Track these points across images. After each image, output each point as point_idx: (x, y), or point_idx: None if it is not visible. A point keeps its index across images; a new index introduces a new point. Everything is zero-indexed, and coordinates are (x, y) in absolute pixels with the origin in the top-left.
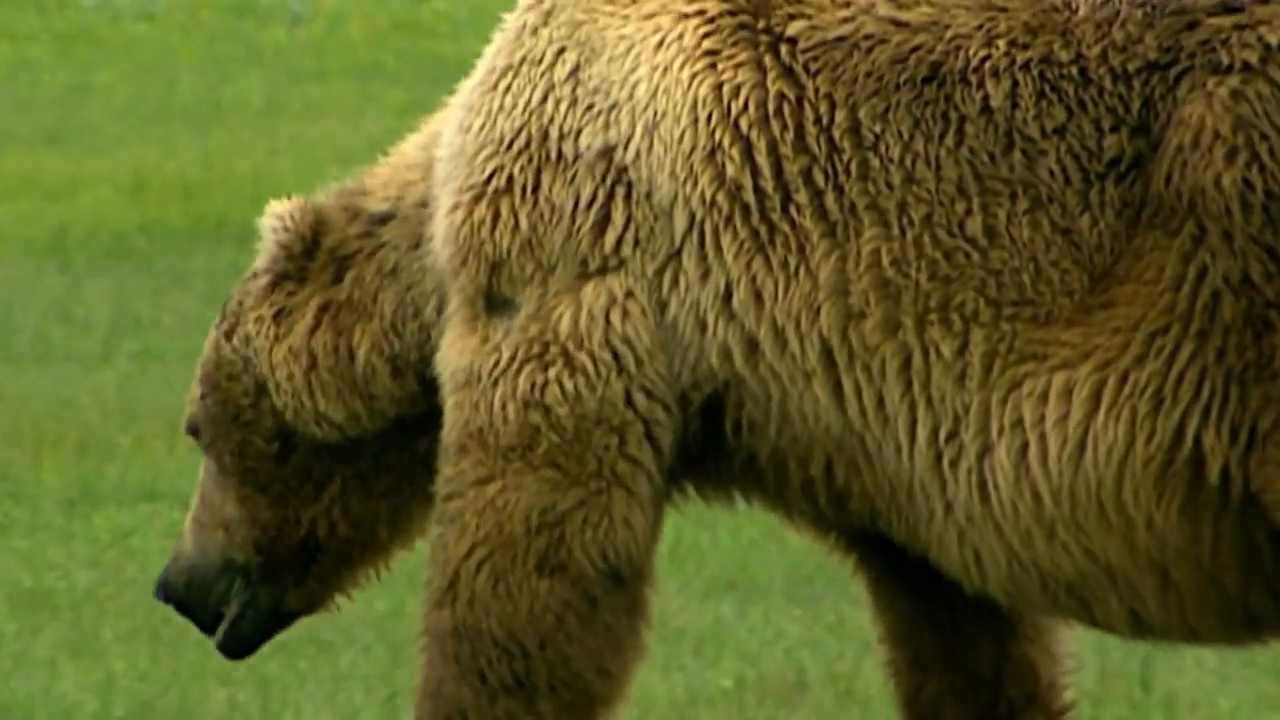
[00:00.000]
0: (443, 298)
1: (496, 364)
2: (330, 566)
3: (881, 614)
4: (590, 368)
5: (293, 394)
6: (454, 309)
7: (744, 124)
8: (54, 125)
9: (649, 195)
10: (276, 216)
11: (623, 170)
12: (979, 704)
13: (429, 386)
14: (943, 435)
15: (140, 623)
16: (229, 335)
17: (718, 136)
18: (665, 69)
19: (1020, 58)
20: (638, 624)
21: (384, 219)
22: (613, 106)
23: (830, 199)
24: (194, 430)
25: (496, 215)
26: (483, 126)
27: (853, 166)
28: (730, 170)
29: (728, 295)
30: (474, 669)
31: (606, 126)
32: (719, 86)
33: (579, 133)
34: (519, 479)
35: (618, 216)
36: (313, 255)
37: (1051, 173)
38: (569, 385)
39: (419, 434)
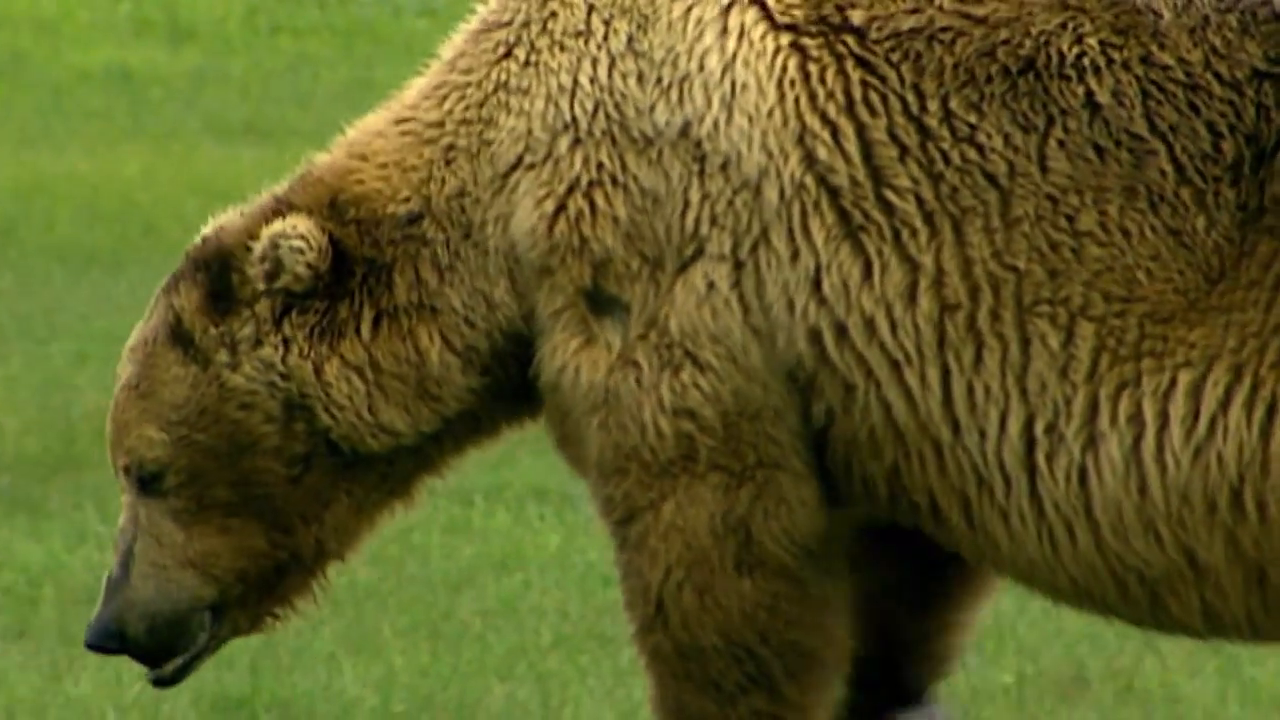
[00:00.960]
0: (517, 283)
1: (638, 380)
2: (299, 583)
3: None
4: (714, 363)
5: (353, 408)
6: (555, 309)
7: (832, 110)
8: (334, 121)
9: (725, 168)
10: (296, 237)
11: (699, 144)
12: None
13: (487, 377)
14: (1039, 427)
15: (420, 618)
16: (233, 366)
17: (807, 120)
18: (740, 37)
19: (1118, 57)
20: (839, 581)
21: (415, 218)
22: (684, 78)
23: (927, 189)
24: (148, 476)
25: (594, 208)
26: (545, 109)
27: (951, 157)
28: (821, 153)
29: (817, 279)
30: (708, 682)
31: (681, 101)
32: (803, 67)
33: (653, 109)
34: (691, 492)
35: (695, 196)
36: (341, 271)
37: (1163, 172)
38: (705, 385)
39: (441, 438)
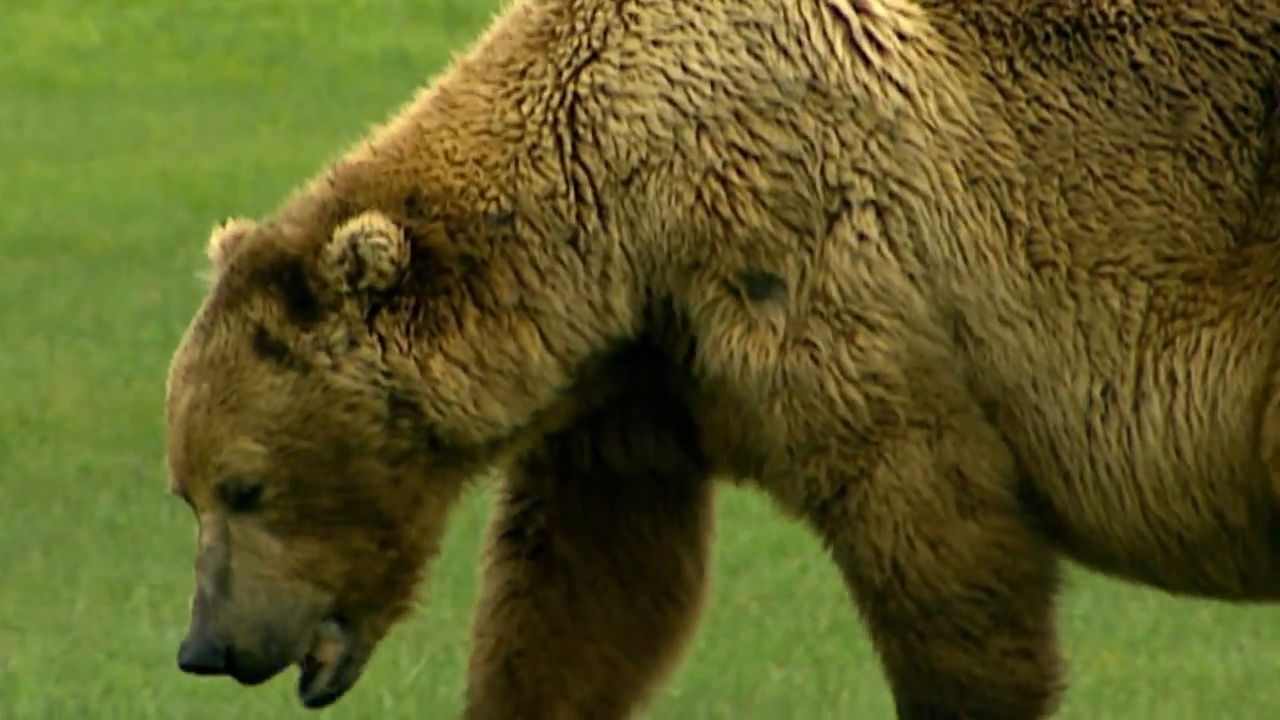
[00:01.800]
0: (648, 288)
1: (813, 357)
2: (411, 580)
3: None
4: (883, 321)
5: (459, 403)
6: (708, 302)
7: (944, 63)
8: None
9: (855, 113)
10: (378, 234)
11: (827, 94)
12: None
13: (575, 378)
14: (1098, 388)
15: None
16: (335, 369)
17: (930, 66)
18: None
19: (1154, 15)
20: (1032, 516)
21: (506, 219)
22: (800, 31)
23: (1015, 145)
24: (255, 489)
25: (730, 189)
26: (661, 106)
27: (1029, 115)
28: (947, 99)
29: (953, 225)
30: (959, 632)
31: (803, 54)
32: (907, 17)
33: (774, 71)
34: (899, 452)
35: (834, 147)
36: (428, 267)
37: (1203, 126)
38: (883, 345)
39: (512, 439)
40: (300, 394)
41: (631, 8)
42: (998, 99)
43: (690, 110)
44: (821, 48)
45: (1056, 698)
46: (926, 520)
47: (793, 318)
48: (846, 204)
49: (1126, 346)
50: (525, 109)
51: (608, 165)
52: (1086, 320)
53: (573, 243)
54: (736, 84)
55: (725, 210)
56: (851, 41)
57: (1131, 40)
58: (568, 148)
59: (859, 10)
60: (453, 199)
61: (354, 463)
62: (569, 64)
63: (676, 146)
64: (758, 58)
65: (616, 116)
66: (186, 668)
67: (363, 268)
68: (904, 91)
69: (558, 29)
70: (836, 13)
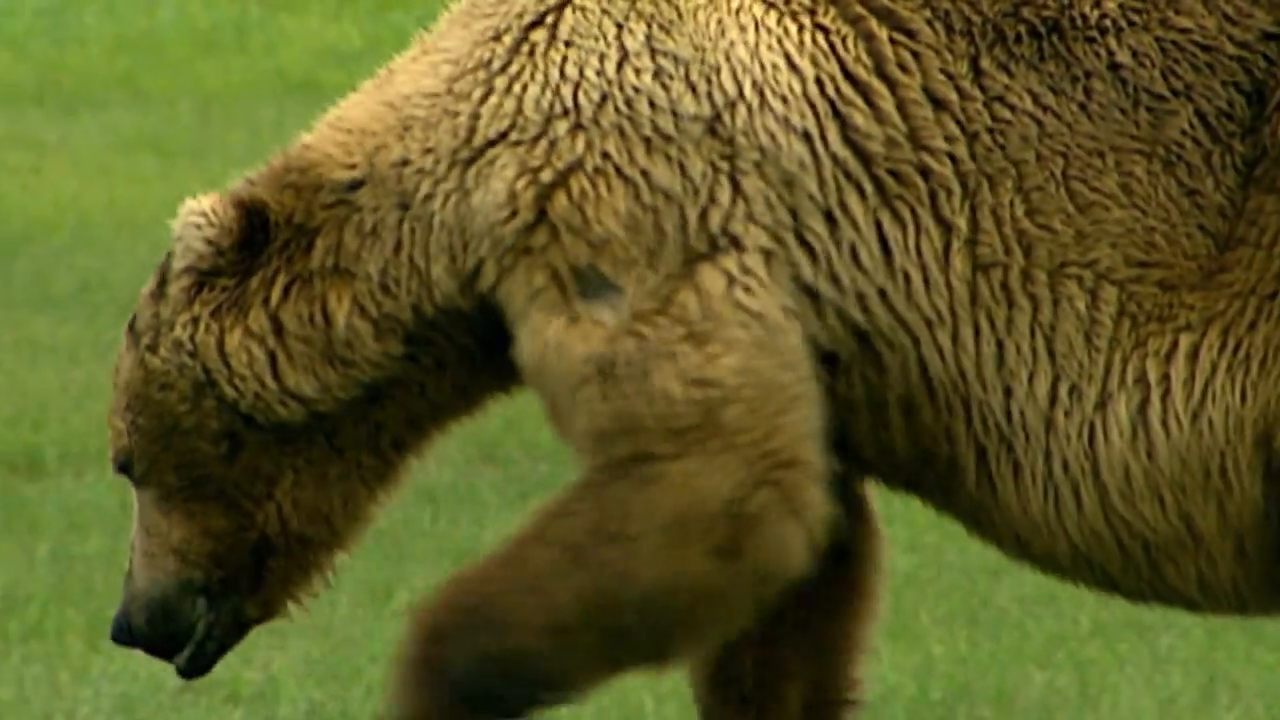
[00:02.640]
0: (464, 261)
1: (641, 349)
2: (284, 568)
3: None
4: (743, 336)
5: (254, 376)
6: (535, 288)
7: (862, 73)
8: None
9: (761, 164)
10: (197, 214)
11: (731, 140)
12: (813, 689)
13: (416, 346)
14: (1063, 388)
15: (958, 606)
16: (153, 349)
17: (840, 87)
18: (759, 25)
19: (1138, 20)
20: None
21: (355, 185)
22: (712, 72)
23: (962, 148)
24: (125, 466)
25: (597, 195)
26: (541, 94)
27: (984, 116)
28: (858, 120)
29: (855, 252)
30: (612, 630)
31: (709, 94)
32: (827, 34)
33: (676, 104)
34: (714, 461)
35: (724, 195)
36: (253, 244)
37: (1183, 131)
38: (733, 362)
39: (376, 407)
40: (135, 371)
41: (563, 11)
42: (947, 98)
43: (568, 107)
44: (731, 90)
45: None
46: (685, 534)
47: (625, 317)
48: (731, 246)
49: (1096, 350)
50: (424, 82)
51: (458, 131)
52: (1047, 321)
53: (402, 206)
54: (629, 104)
55: (589, 208)
56: (760, 84)
57: (1113, 42)
58: (436, 116)
59: (770, 48)
60: (315, 169)
61: (179, 440)
62: (473, 40)
63: (544, 133)
64: (664, 87)
65: (491, 91)
66: (112, 640)
67: (186, 247)
68: (810, 139)
69: (487, 10)
70: (753, 52)
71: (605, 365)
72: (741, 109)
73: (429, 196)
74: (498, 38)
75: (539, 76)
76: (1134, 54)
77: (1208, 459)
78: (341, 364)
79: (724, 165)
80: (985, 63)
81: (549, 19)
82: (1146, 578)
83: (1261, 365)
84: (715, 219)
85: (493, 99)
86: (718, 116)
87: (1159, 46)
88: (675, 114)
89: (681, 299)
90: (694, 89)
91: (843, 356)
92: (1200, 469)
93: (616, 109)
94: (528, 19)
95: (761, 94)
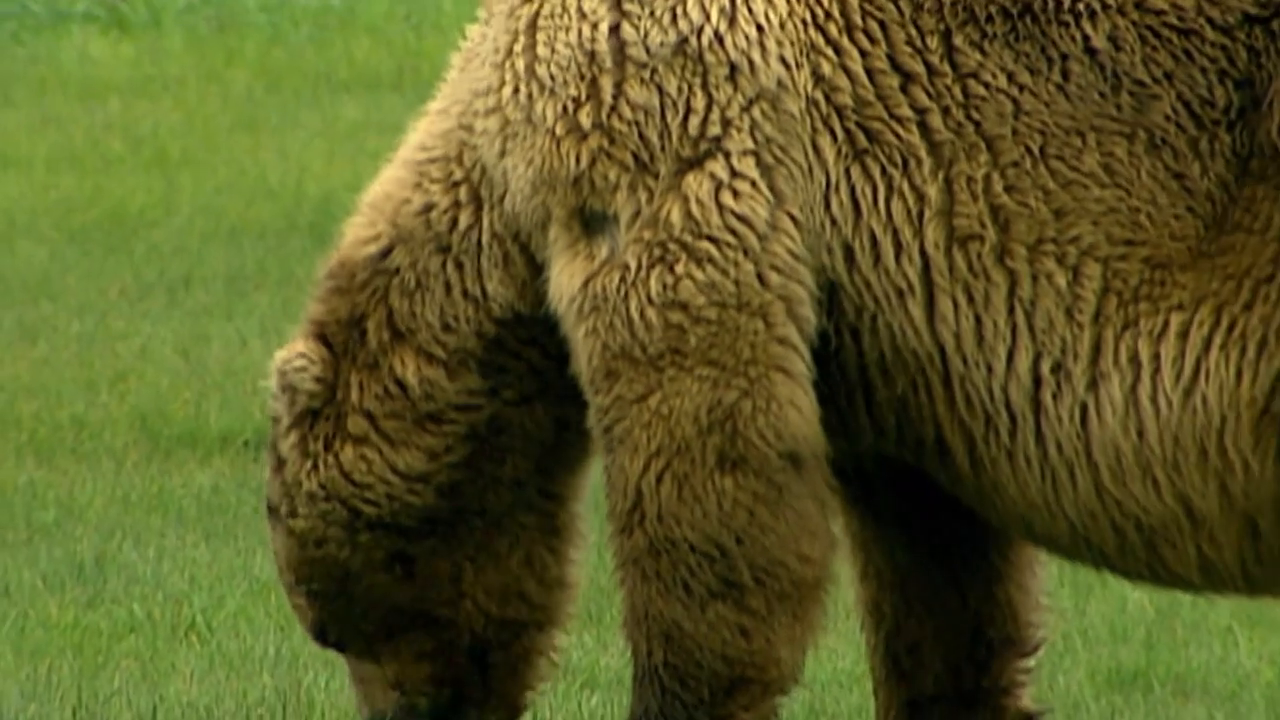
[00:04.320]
0: (518, 261)
1: (622, 278)
2: (505, 661)
3: (865, 554)
4: (715, 253)
5: (378, 479)
6: (551, 241)
7: (832, 29)
8: None
9: (734, 77)
10: (296, 359)
11: (700, 57)
12: (959, 646)
13: (492, 376)
14: (1046, 365)
15: None
16: (293, 514)
17: (811, 34)
18: None
19: (1114, 2)
20: (824, 511)
21: (385, 252)
22: (676, 3)
23: (935, 119)
24: (323, 637)
25: (577, 131)
26: (517, 91)
27: (955, 91)
28: (826, 69)
29: (827, 197)
30: (677, 581)
31: (675, 21)
32: None
33: (646, 36)
34: (678, 384)
35: (699, 103)
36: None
37: (1166, 117)
38: (701, 276)
39: (494, 464)
40: (288, 544)
41: (538, 12)
42: (918, 70)
43: (545, 85)
44: (696, 16)
45: (763, 693)
46: (680, 458)
47: (616, 247)
48: (716, 150)
49: (1079, 326)
50: (435, 127)
51: (475, 163)
52: (1027, 297)
53: (442, 250)
54: (593, 56)
55: (564, 151)
56: (729, 10)
57: (1088, 26)
58: (453, 152)
59: None
60: (347, 257)
61: (356, 586)
62: (475, 75)
63: (528, 118)
64: (633, 27)
65: (482, 113)
66: None
67: (295, 395)
68: (786, 65)
69: (477, 45)
70: None
71: (593, 300)
72: (708, 30)
73: (469, 228)
74: (477, 62)
75: (511, 76)
76: (1111, 39)
77: (1203, 438)
78: (432, 421)
79: (695, 80)
80: (958, 40)
81: (513, 14)
82: (1144, 559)
83: (1261, 346)
84: (694, 125)
85: (486, 122)
86: (684, 40)
87: (1136, 32)
88: (646, 45)
89: (666, 212)
90: (660, 22)
91: (830, 302)
92: (1195, 448)
93: (591, 56)
94: (507, 33)
95: (731, 19)
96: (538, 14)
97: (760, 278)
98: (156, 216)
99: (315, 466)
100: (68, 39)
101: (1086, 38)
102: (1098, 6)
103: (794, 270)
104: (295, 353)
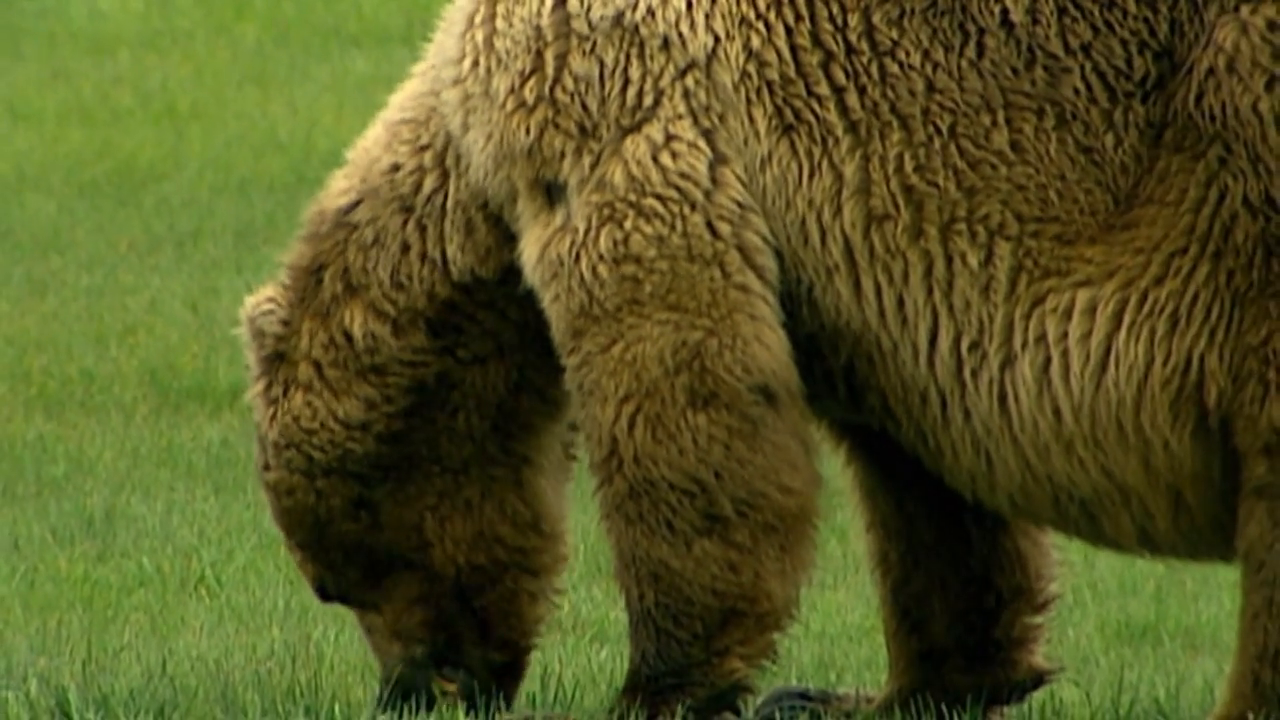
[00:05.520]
0: (480, 222)
1: (574, 241)
2: (494, 602)
3: (871, 505)
4: (661, 208)
5: (321, 426)
6: (520, 213)
7: (761, 3)
8: None
9: (667, 49)
10: (263, 303)
11: (635, 29)
12: (967, 595)
13: (444, 336)
14: (965, 344)
15: None
16: (266, 467)
17: (742, 7)
18: None
19: None
20: (804, 447)
21: (352, 206)
22: None
23: (852, 97)
24: (324, 591)
25: (526, 105)
26: (476, 63)
27: (873, 69)
28: (756, 43)
29: (762, 168)
30: (660, 521)
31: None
32: None
33: (589, 9)
34: (638, 330)
35: (635, 72)
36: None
37: (1076, 90)
38: (649, 230)
39: (446, 415)
40: (269, 501)
41: (495, 2)
42: (834, 49)
43: (500, 59)
44: None
45: (757, 626)
46: (650, 399)
47: (570, 213)
48: (653, 116)
49: (994, 305)
50: (412, 88)
51: (436, 130)
52: (943, 276)
53: (405, 210)
54: (539, 32)
55: (517, 125)
56: None
57: (1009, 0)
58: (421, 114)
59: None
60: (320, 208)
61: (331, 534)
62: (445, 45)
63: (486, 91)
64: (580, 2)
65: (448, 83)
66: None
67: (263, 339)
68: (717, 36)
69: (455, 16)
70: None
71: (552, 266)
72: (642, 5)
73: (434, 191)
74: (462, 33)
75: (472, 47)
76: (1030, 12)
77: (1119, 416)
78: (374, 374)
79: (632, 50)
80: (876, 17)
81: (492, 18)
82: (1085, 529)
83: (1174, 322)
84: (631, 94)
85: (451, 92)
86: (621, 14)
87: (1056, 4)
88: (588, 19)
89: (610, 174)
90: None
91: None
92: (1113, 426)
93: (539, 31)
94: (473, 2)
95: None
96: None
97: (710, 227)
98: (166, 170)
99: (275, 415)
100: None
101: (1005, 11)
102: None
103: (744, 219)
104: (264, 297)
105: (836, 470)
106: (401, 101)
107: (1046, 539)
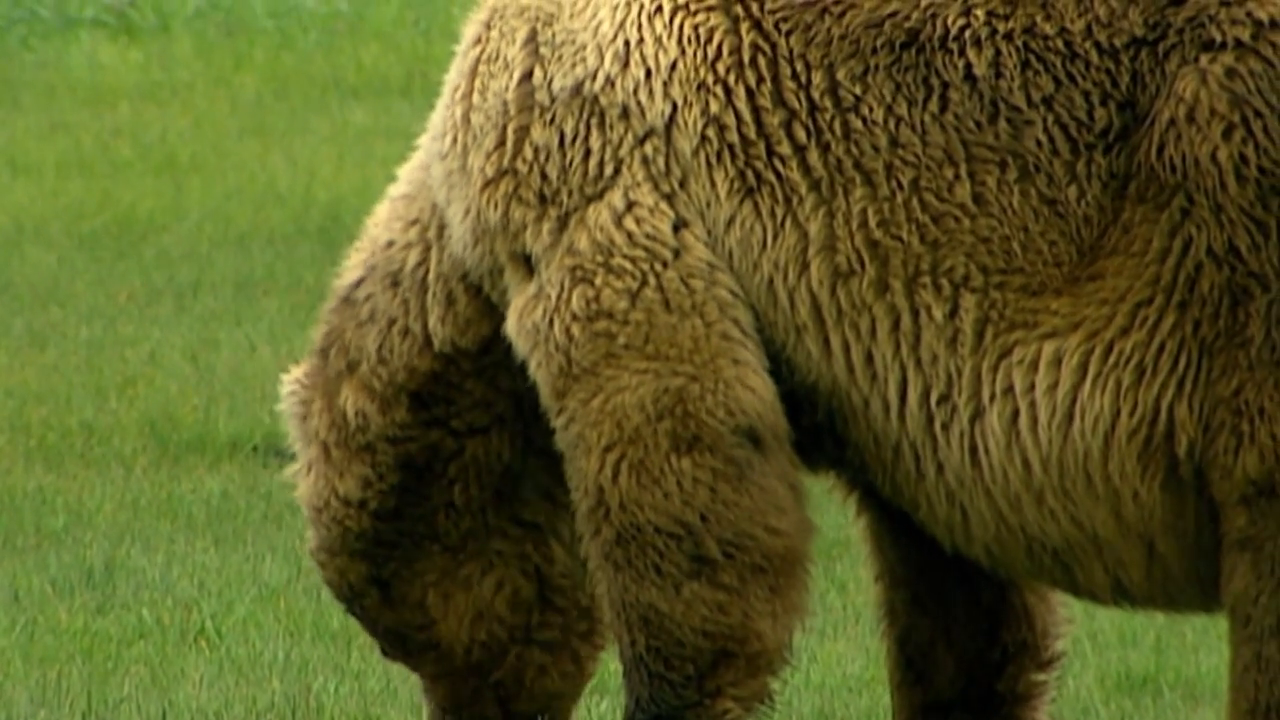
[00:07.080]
0: (460, 294)
1: (546, 308)
2: (505, 676)
3: (880, 554)
4: (631, 267)
5: (325, 504)
6: (505, 286)
7: (721, 68)
8: None
9: (627, 117)
10: (292, 381)
11: (594, 99)
12: (973, 648)
13: (431, 408)
14: (934, 398)
15: None
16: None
17: (701, 73)
18: (629, 8)
19: (1001, 28)
20: (792, 491)
21: (356, 284)
22: (579, 49)
23: (814, 155)
24: (384, 652)
25: (494, 181)
26: (454, 139)
27: (835, 126)
28: (715, 108)
29: (727, 232)
30: (649, 566)
31: (574, 66)
32: (695, 26)
33: (551, 81)
34: (617, 381)
35: (595, 142)
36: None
37: (1039, 143)
38: (619, 285)
39: (442, 488)
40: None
41: (481, 50)
42: (799, 106)
43: (476, 134)
44: (592, 61)
45: (748, 668)
46: (633, 448)
47: (543, 280)
48: (613, 185)
49: (961, 358)
50: (409, 166)
51: (423, 206)
52: (909, 331)
53: (394, 285)
54: (505, 106)
55: (488, 201)
56: (622, 54)
57: (972, 53)
58: (414, 193)
59: (639, 25)
60: (339, 281)
61: (357, 607)
62: (451, 89)
63: (463, 165)
64: (540, 68)
65: (437, 157)
66: None
67: (290, 419)
68: (674, 103)
69: (445, 90)
70: (619, 27)
71: (530, 335)
72: (601, 75)
73: (418, 264)
74: (447, 106)
75: (452, 122)
76: (993, 65)
77: (1088, 468)
78: (366, 451)
79: (592, 120)
80: (840, 74)
81: (472, 56)
82: (1061, 579)
83: (1139, 371)
84: (592, 163)
85: (439, 167)
86: (581, 84)
87: (1020, 57)
88: (550, 90)
89: (576, 241)
90: (563, 67)
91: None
92: (1082, 478)
93: (507, 106)
94: (458, 74)
95: (624, 64)
96: (479, 58)
97: (684, 282)
98: (165, 222)
99: (301, 493)
100: (77, 45)
101: (969, 65)
102: (984, 34)
103: (714, 277)
104: (293, 376)
105: (834, 522)
106: (404, 174)
107: (1054, 596)
